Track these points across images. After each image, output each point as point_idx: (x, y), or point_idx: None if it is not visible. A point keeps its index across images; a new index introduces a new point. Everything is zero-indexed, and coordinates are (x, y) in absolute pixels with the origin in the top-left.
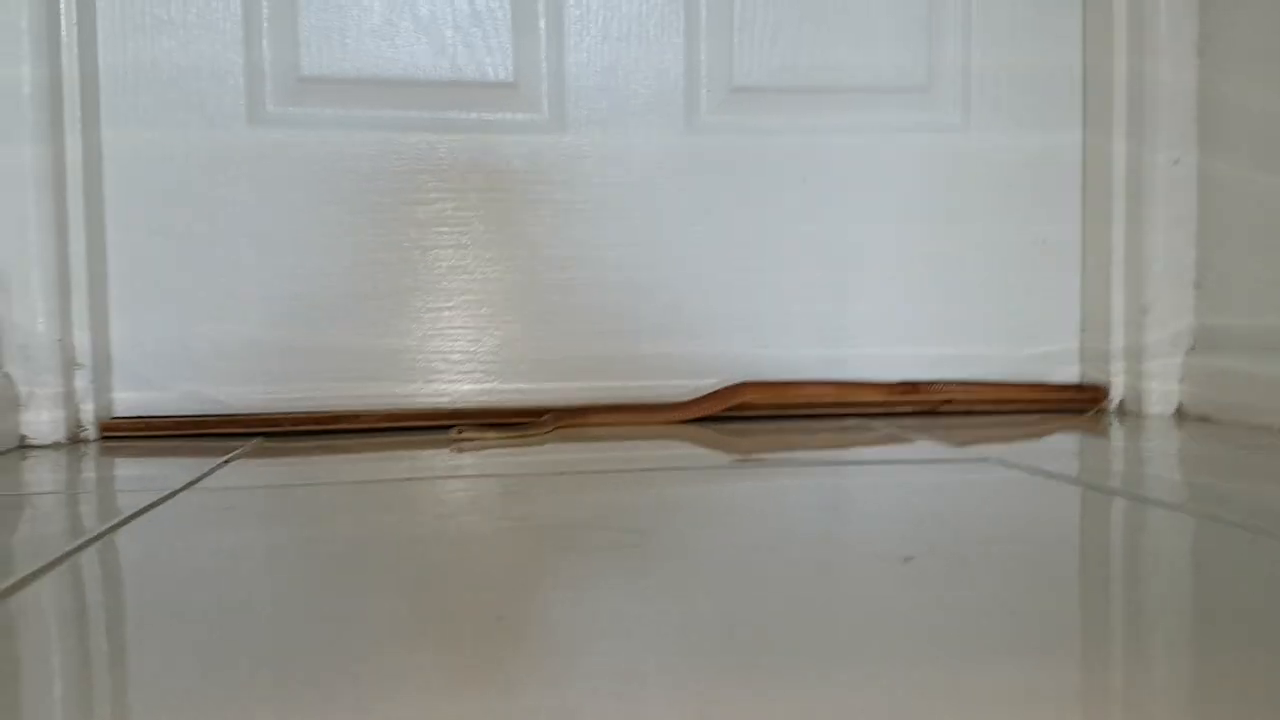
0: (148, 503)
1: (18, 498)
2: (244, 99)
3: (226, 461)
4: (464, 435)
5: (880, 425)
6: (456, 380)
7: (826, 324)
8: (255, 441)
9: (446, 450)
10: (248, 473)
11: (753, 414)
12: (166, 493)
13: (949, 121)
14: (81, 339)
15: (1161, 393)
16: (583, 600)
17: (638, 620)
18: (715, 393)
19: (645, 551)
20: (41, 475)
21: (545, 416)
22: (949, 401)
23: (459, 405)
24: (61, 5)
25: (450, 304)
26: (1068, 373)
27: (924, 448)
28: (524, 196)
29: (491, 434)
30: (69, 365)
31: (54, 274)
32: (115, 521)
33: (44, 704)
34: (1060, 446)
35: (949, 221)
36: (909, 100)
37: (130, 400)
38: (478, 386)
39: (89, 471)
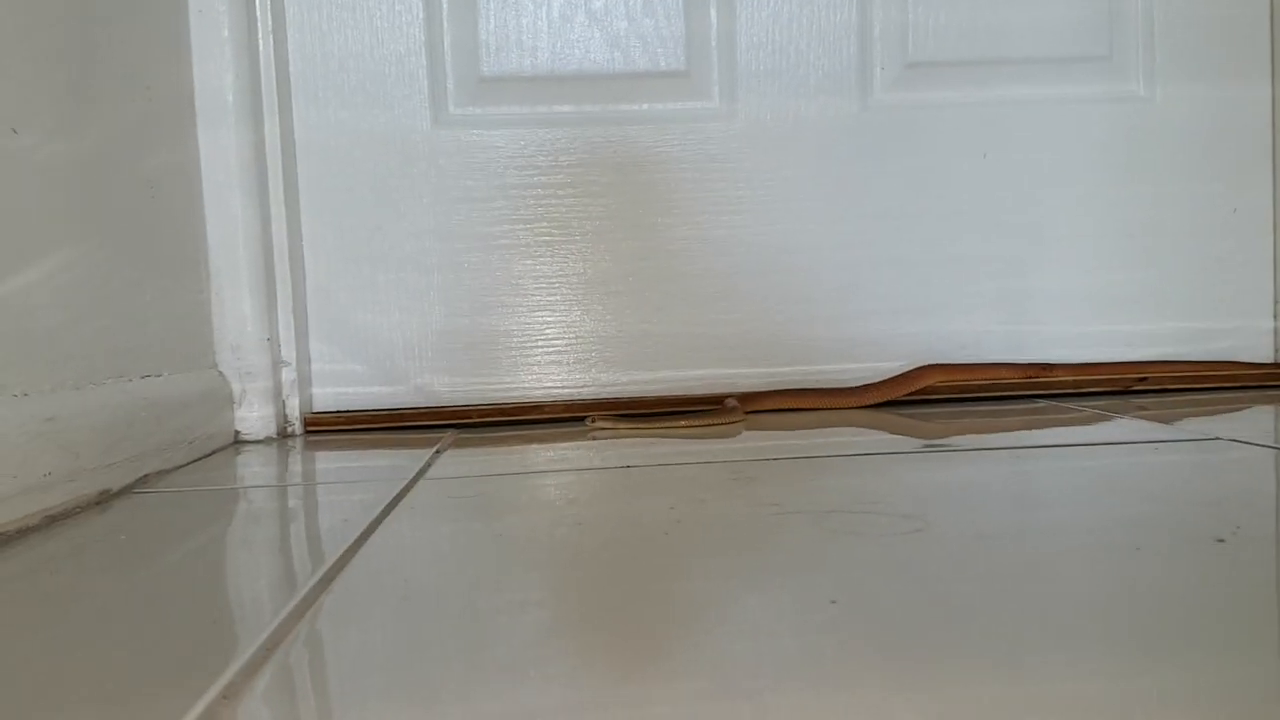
0: (397, 491)
1: (265, 490)
2: (428, 101)
3: (438, 453)
4: (597, 425)
5: (1073, 405)
6: (631, 369)
7: (1009, 301)
8: (450, 433)
9: (641, 439)
10: (465, 462)
11: (933, 396)
12: (406, 481)
13: (1131, 90)
14: (286, 336)
15: None
16: (921, 584)
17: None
18: (899, 376)
19: (931, 537)
20: (275, 469)
21: (728, 401)
22: (1143, 380)
23: (634, 394)
24: (259, 27)
25: (623, 293)
26: (1262, 347)
27: (1138, 427)
28: (696, 184)
29: (624, 425)
30: (276, 362)
31: (261, 274)
32: (383, 508)
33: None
34: (1271, 424)
35: (1133, 193)
36: (1090, 70)
37: (328, 394)
38: (651, 375)
39: (317, 464)
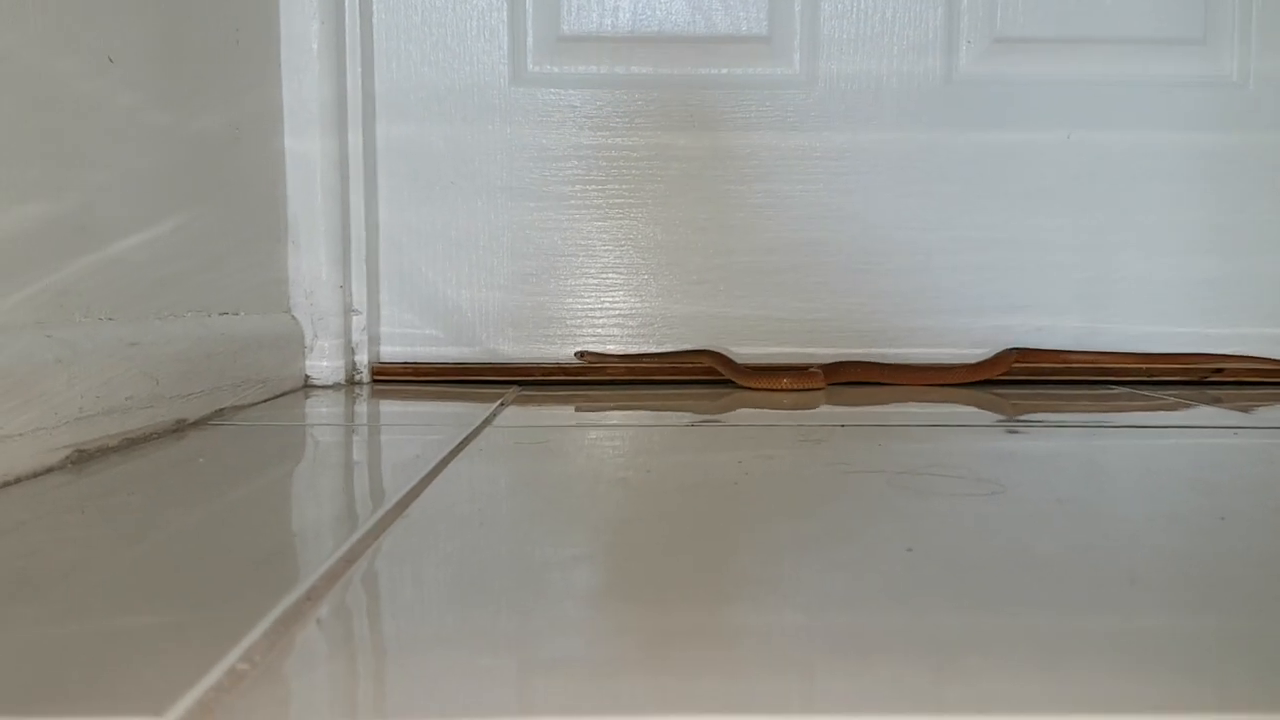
0: (465, 435)
1: (339, 428)
2: (507, 57)
3: (503, 405)
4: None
5: (1148, 393)
6: (701, 340)
7: (1087, 293)
8: (514, 389)
9: (688, 407)
10: (531, 414)
11: (1009, 379)
12: (473, 428)
13: (1225, 74)
14: (358, 288)
15: None
16: (998, 538)
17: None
18: (986, 360)
19: (1008, 498)
20: (346, 410)
21: (810, 368)
22: (1219, 371)
23: (700, 361)
24: None
25: (694, 266)
26: None
27: (1216, 414)
28: (771, 152)
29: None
30: (347, 311)
31: (337, 227)
32: (452, 448)
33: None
34: None
35: (1222, 181)
36: (1182, 52)
37: (396, 351)
38: (725, 348)
39: (386, 409)
